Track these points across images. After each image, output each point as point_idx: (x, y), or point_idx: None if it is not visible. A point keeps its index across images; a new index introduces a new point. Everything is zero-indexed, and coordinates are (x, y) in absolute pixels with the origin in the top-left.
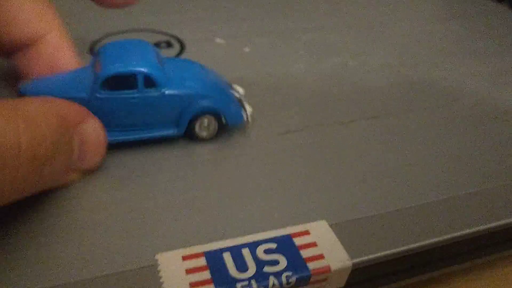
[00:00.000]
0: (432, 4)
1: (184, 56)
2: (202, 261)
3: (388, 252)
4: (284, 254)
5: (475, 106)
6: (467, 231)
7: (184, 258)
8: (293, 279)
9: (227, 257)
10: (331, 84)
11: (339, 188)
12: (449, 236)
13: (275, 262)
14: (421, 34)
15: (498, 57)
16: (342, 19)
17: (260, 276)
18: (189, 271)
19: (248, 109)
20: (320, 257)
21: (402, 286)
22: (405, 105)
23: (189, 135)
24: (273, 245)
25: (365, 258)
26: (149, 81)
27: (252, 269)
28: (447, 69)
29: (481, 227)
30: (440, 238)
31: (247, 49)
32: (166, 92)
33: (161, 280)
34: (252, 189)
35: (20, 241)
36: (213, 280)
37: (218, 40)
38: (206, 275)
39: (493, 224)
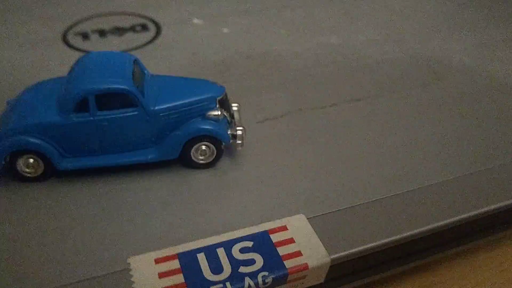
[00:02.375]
0: None
1: (161, 38)
2: (175, 264)
3: (367, 246)
4: (260, 253)
5: (462, 83)
6: (452, 219)
7: (157, 261)
8: (269, 279)
9: (202, 258)
10: (314, 65)
11: (318, 180)
12: (431, 226)
13: (251, 262)
14: (407, 9)
15: (485, 29)
16: None
17: (236, 277)
18: (162, 275)
19: (239, 129)
20: (298, 254)
21: (385, 277)
22: (389, 85)
23: (184, 161)
24: (249, 243)
25: (344, 253)
26: (132, 100)
27: (227, 270)
28: (434, 45)
29: (467, 215)
30: (423, 229)
31: (225, 30)
32: (153, 109)
33: (133, 286)
34: (227, 183)
35: None
36: (187, 284)
37: (195, 20)
38: (179, 278)
39: (479, 211)
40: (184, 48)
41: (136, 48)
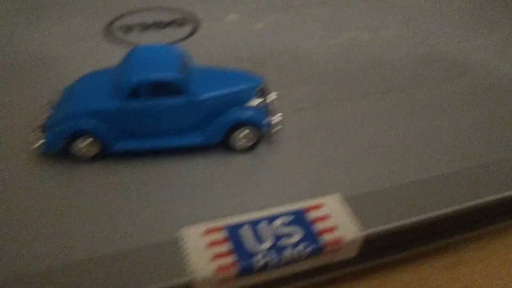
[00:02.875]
0: None
1: (198, 33)
2: (222, 234)
3: (398, 223)
4: (299, 227)
5: (485, 78)
6: (477, 201)
7: (206, 232)
8: (307, 250)
9: (246, 230)
10: (344, 59)
11: (353, 162)
12: (459, 207)
13: (291, 235)
14: (432, 5)
15: (509, 26)
16: None
17: (277, 248)
18: (210, 245)
19: (276, 116)
20: (333, 228)
21: (412, 255)
22: (416, 78)
23: (226, 145)
24: (289, 219)
25: (375, 229)
26: (180, 89)
27: (269, 242)
28: (457, 41)
29: (493, 197)
30: (451, 209)
31: (259, 26)
32: (198, 98)
33: (184, 254)
34: (265, 166)
35: (48, 217)
36: (234, 251)
37: (231, 16)
38: (226, 247)
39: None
40: (220, 42)
41: (176, 42)
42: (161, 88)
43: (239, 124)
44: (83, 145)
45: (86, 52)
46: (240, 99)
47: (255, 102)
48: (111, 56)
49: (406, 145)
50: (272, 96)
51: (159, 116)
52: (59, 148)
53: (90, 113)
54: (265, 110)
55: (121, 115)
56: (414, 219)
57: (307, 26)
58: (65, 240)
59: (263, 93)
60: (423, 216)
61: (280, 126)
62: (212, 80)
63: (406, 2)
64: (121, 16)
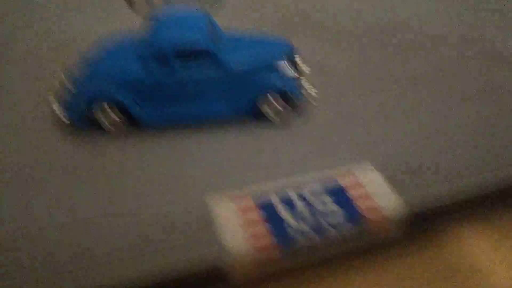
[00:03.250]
0: None
1: None
2: (251, 202)
3: (443, 201)
4: (331, 195)
5: None
6: None
7: (235, 199)
8: (350, 230)
9: (275, 198)
10: (375, 27)
11: (387, 132)
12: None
13: (332, 213)
14: None
15: None
16: None
17: (312, 215)
18: (240, 211)
19: (312, 89)
20: (375, 207)
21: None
22: (454, 62)
23: (256, 115)
24: (319, 186)
25: (420, 207)
26: (210, 56)
27: (301, 209)
28: None
29: None
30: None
31: None
32: (227, 64)
33: (215, 221)
34: (293, 135)
35: (75, 188)
36: (265, 219)
37: None
38: (257, 215)
39: None
40: (247, 5)
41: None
42: (189, 54)
43: (270, 93)
44: (108, 114)
45: (106, 21)
46: (272, 67)
47: (286, 68)
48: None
49: (442, 115)
50: (302, 62)
51: (187, 84)
52: (82, 118)
53: (114, 81)
54: (295, 77)
55: (147, 84)
56: (460, 196)
57: None
58: (91, 210)
59: (293, 58)
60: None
61: (313, 93)
62: (241, 46)
63: None
64: None
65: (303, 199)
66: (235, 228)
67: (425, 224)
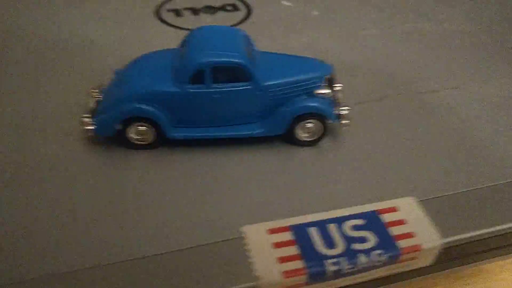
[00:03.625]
0: None
1: (252, 18)
2: (288, 235)
3: (480, 231)
4: (372, 231)
5: None
6: None
7: (270, 231)
8: (383, 258)
9: (313, 232)
10: (405, 50)
11: (426, 162)
12: None
13: (364, 239)
14: None
15: None
16: None
17: (350, 253)
18: (276, 245)
19: (345, 108)
20: (410, 235)
21: (493, 265)
22: (483, 73)
23: (289, 137)
24: (360, 221)
25: (456, 237)
26: (246, 74)
27: (340, 246)
28: None
29: None
30: None
31: (315, 12)
32: (264, 85)
33: (248, 253)
34: (330, 161)
35: (104, 215)
36: (301, 255)
37: (284, 2)
38: (293, 250)
39: None
40: (275, 28)
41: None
42: (226, 73)
43: (306, 115)
44: (138, 131)
45: (136, 34)
46: (307, 88)
47: (323, 91)
48: (162, 39)
49: (485, 146)
50: (338, 87)
51: (221, 102)
52: (111, 134)
53: (147, 97)
54: (332, 101)
55: (181, 100)
56: (498, 227)
57: (365, 13)
58: (114, 235)
59: (331, 82)
60: (505, 225)
61: (348, 120)
62: (278, 66)
63: None
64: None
65: (343, 235)
66: (270, 262)
67: (459, 260)
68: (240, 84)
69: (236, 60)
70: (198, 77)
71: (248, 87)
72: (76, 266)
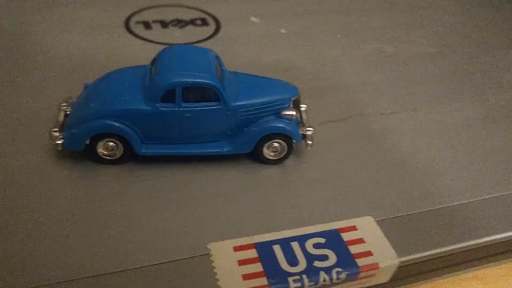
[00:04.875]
0: None
1: (221, 34)
2: (252, 253)
3: (435, 250)
4: (333, 249)
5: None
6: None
7: (235, 248)
8: (343, 275)
9: (277, 250)
10: (371, 71)
11: (384, 183)
12: (498, 236)
13: (325, 257)
14: (458, 23)
15: None
16: (378, 1)
17: (311, 271)
18: (241, 262)
19: (309, 129)
20: (369, 253)
21: (446, 281)
22: (444, 97)
23: (256, 156)
24: (321, 240)
25: (412, 256)
26: (216, 95)
27: (302, 263)
28: (484, 62)
29: None
30: (488, 238)
31: (283, 30)
32: (234, 105)
33: (214, 270)
34: (294, 180)
35: (72, 230)
36: (265, 273)
37: (253, 19)
38: (257, 267)
39: None
40: (243, 45)
41: (197, 42)
42: (196, 93)
43: (272, 135)
44: (107, 146)
45: (106, 45)
46: (274, 109)
47: (289, 113)
48: (131, 51)
49: (439, 166)
50: (303, 107)
51: (191, 121)
52: (80, 149)
53: (117, 113)
54: (298, 122)
55: (151, 118)
56: (450, 247)
57: (332, 33)
58: (79, 250)
59: (296, 104)
60: (457, 245)
61: (311, 140)
62: (247, 88)
63: (430, 19)
64: (140, 10)
65: (306, 253)
66: (235, 279)
67: (414, 277)
68: (210, 104)
69: (207, 81)
70: (169, 96)
71: (218, 107)
72: (38, 281)
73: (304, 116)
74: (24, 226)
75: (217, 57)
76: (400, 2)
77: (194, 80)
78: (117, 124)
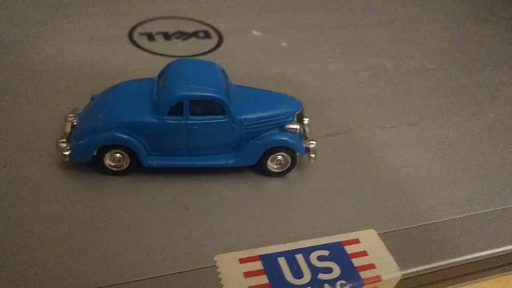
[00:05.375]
0: (462, 4)
1: (223, 47)
2: (258, 265)
3: (436, 263)
4: (337, 262)
5: (509, 115)
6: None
7: (241, 260)
8: (347, 287)
9: (282, 262)
10: (370, 85)
11: (385, 196)
12: (500, 249)
13: (329, 270)
14: (457, 38)
15: None
16: (376, 16)
17: (316, 283)
18: (247, 275)
19: (312, 142)
20: (372, 266)
21: None
22: (442, 112)
23: (259, 168)
24: (325, 252)
25: (414, 269)
26: (222, 108)
27: (307, 276)
28: (482, 76)
29: None
30: (491, 251)
31: (284, 44)
32: (239, 118)
33: (221, 282)
34: (297, 192)
35: (77, 241)
36: (271, 285)
37: (254, 32)
38: (263, 279)
39: None
40: (245, 58)
41: (200, 54)
42: (203, 106)
43: (276, 148)
44: (114, 158)
45: (110, 57)
46: (279, 122)
47: (293, 126)
48: (134, 61)
49: (440, 180)
50: (306, 121)
51: (198, 133)
52: (87, 160)
53: (125, 125)
54: (301, 136)
55: (158, 130)
56: (452, 259)
57: (331, 47)
58: (83, 261)
59: (300, 117)
60: (460, 258)
61: (314, 154)
62: (252, 101)
63: (427, 33)
64: (143, 21)
65: (310, 265)
66: (237, 282)
67: None
68: (217, 117)
69: (214, 95)
70: (176, 109)
71: (224, 120)
72: None
73: (307, 129)
74: (29, 237)
75: (223, 71)
76: (398, 17)
77: (201, 94)
78: (125, 136)
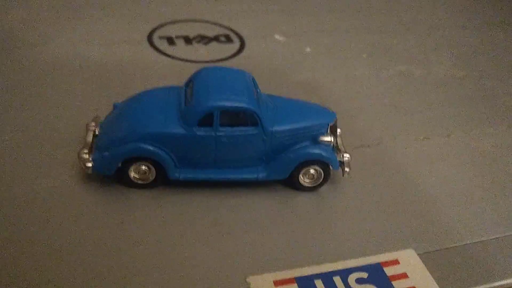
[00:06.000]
0: (489, 10)
1: (245, 52)
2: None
3: (480, 287)
4: (376, 285)
5: None
6: None
7: (276, 283)
8: None
9: (319, 284)
10: (399, 93)
11: (421, 212)
12: None
13: None
14: (483, 43)
15: None
16: (401, 20)
17: None
18: None
19: (346, 155)
20: None
21: None
22: (475, 122)
23: (290, 182)
24: (364, 274)
25: None
26: (254, 119)
27: None
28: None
29: None
30: None
31: (308, 49)
32: (271, 130)
33: None
34: (330, 208)
35: (99, 257)
36: None
37: (277, 36)
38: None
39: None
40: (268, 64)
41: (223, 60)
42: (234, 117)
43: (309, 162)
44: (139, 170)
45: (130, 61)
46: (312, 135)
47: (326, 138)
48: (157, 67)
49: (483, 194)
50: (338, 132)
51: (228, 145)
52: (111, 172)
53: (152, 137)
54: (334, 148)
55: (186, 142)
56: (494, 283)
57: (357, 53)
58: (106, 277)
59: (334, 129)
60: (502, 282)
61: (349, 167)
62: (284, 112)
63: (452, 40)
64: (163, 25)
65: (347, 286)
66: None
67: None
68: (248, 128)
69: (247, 106)
70: (206, 120)
71: (255, 131)
72: None
73: (339, 141)
74: (50, 251)
75: (253, 79)
76: (424, 22)
77: (233, 105)
78: (151, 148)
